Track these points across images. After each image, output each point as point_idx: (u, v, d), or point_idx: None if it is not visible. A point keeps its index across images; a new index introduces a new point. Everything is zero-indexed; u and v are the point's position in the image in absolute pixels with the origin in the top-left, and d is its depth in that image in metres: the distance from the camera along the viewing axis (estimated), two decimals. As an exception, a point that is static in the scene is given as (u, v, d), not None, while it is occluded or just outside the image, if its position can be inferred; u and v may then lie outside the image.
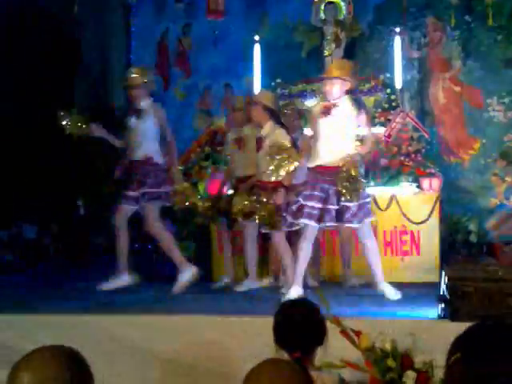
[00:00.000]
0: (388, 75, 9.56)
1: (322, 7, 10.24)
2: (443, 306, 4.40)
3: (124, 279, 6.80)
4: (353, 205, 5.82)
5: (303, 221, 5.95)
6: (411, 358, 3.14)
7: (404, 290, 6.10)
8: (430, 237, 7.50)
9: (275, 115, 6.94)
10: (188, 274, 6.65)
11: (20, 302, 6.18)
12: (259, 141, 6.87)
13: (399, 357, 3.13)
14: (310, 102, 9.43)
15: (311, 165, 6.09)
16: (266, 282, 7.32)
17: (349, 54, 10.27)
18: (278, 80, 9.85)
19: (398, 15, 10.62)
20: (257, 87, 9.68)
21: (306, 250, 6.00)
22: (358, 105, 6.14)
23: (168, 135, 7.00)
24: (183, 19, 12.11)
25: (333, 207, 5.87)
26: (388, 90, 9.17)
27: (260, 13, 11.69)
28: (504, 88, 10.56)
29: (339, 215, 5.88)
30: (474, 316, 3.88)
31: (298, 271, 6.00)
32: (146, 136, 6.89)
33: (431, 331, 3.91)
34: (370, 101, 9.29)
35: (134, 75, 7.04)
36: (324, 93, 6.30)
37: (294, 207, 6.04)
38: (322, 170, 5.97)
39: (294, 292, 5.82)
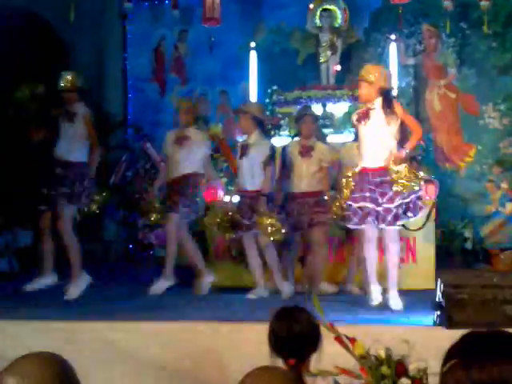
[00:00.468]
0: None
1: (318, 14, 10.26)
2: (439, 313, 4.40)
3: (48, 279, 6.80)
4: (393, 206, 5.89)
5: (362, 226, 6.08)
6: (405, 365, 3.13)
7: (400, 297, 6.10)
8: (426, 244, 7.50)
9: (262, 125, 7.25)
10: (81, 281, 6.73)
11: (12, 308, 6.17)
12: (244, 148, 7.07)
13: (394, 364, 3.12)
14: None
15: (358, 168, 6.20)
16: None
17: (344, 60, 10.31)
18: (274, 87, 9.86)
19: (394, 22, 10.65)
20: (253, 94, 9.70)
21: (371, 251, 6.12)
22: (390, 101, 6.15)
23: (94, 141, 7.05)
24: (179, 26, 12.12)
25: (380, 208, 5.94)
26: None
27: (256, 20, 11.71)
28: (499, 95, 10.60)
29: (384, 217, 5.95)
30: (469, 323, 3.88)
31: (370, 272, 6.11)
32: (76, 139, 6.96)
33: (426, 338, 3.91)
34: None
35: (69, 78, 7.10)
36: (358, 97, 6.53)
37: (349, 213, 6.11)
38: (367, 173, 6.08)
39: (376, 291, 5.98)
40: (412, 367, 3.17)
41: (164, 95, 12.28)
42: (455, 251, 9.10)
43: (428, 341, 3.83)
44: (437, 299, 4.53)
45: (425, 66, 11.02)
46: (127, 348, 4.68)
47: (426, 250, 7.49)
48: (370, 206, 5.96)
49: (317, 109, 9.45)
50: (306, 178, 7.20)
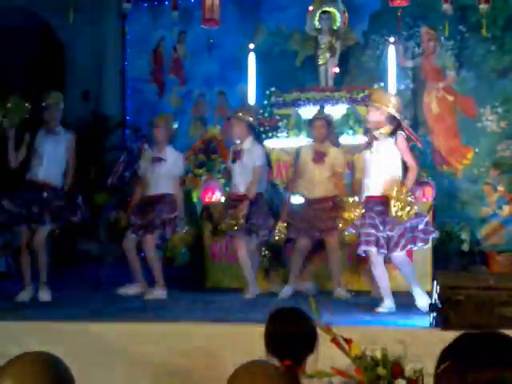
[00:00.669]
0: (382, 84, 9.59)
1: (317, 16, 10.27)
2: (435, 314, 4.41)
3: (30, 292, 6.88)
4: (395, 233, 6.01)
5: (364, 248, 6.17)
6: (401, 366, 3.14)
7: (397, 299, 6.13)
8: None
9: (255, 132, 7.56)
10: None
11: (10, 308, 6.19)
12: (238, 153, 7.28)
13: (389, 365, 3.13)
14: (304, 111, 9.47)
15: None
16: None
17: (343, 63, 10.32)
18: (272, 88, 9.86)
19: (393, 25, 10.66)
20: (251, 95, 9.71)
21: (380, 270, 6.23)
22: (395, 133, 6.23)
23: (70, 160, 7.16)
24: (178, 27, 12.13)
25: (382, 235, 6.04)
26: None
27: (255, 21, 11.72)
28: (497, 98, 10.61)
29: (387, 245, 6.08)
30: (465, 324, 3.89)
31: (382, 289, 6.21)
32: (57, 159, 7.05)
33: (422, 339, 3.92)
34: (363, 110, 9.30)
35: (57, 96, 7.17)
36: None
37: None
38: (369, 200, 6.22)
39: (389, 303, 6.06)
40: (408, 368, 3.19)
41: (162, 96, 12.30)
42: (452, 253, 9.10)
43: (424, 342, 3.84)
44: (433, 301, 4.54)
45: (423, 68, 11.03)
46: (124, 349, 4.69)
47: (423, 251, 7.49)
48: (372, 231, 6.04)
49: (315, 111, 9.46)
50: (318, 183, 7.29)
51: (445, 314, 4.21)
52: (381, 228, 6.02)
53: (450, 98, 10.85)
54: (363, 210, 6.22)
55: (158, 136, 7.44)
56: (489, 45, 10.71)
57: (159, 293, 7.06)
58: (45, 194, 6.91)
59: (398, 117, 6.31)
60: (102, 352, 4.70)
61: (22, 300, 6.70)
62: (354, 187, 7.20)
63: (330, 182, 7.32)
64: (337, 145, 7.67)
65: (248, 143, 7.32)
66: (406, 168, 6.30)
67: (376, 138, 6.22)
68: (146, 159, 7.50)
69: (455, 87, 10.87)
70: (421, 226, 6.08)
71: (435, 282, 4.50)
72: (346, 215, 6.43)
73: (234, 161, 7.33)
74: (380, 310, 5.99)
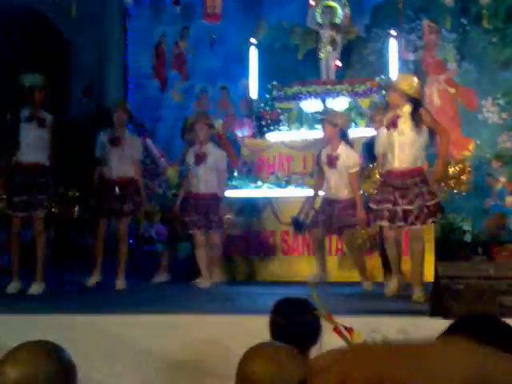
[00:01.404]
0: (383, 77, 9.61)
1: (319, 10, 10.29)
2: (435, 303, 4.44)
3: (18, 284, 6.85)
4: (415, 207, 6.11)
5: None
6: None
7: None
8: (425, 236, 7.53)
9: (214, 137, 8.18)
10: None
11: (14, 302, 6.24)
12: (202, 156, 7.60)
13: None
14: (305, 104, 9.50)
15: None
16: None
17: (345, 56, 10.33)
18: (274, 82, 9.89)
19: (394, 18, 10.69)
20: (253, 89, 9.73)
21: (390, 249, 6.52)
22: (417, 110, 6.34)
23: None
24: (180, 23, 12.16)
25: (399, 209, 6.17)
26: (384, 92, 9.20)
27: (256, 16, 11.75)
28: (499, 90, 10.63)
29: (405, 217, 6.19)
30: (465, 313, 3.92)
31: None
32: (44, 143, 6.96)
33: (423, 328, 3.95)
34: (365, 102, 9.34)
35: (39, 77, 7.03)
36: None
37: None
38: (392, 174, 6.34)
39: (393, 282, 6.41)
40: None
41: (164, 91, 12.33)
42: (454, 244, 9.13)
43: (425, 331, 3.86)
44: (434, 290, 4.58)
45: (425, 61, 11.06)
46: (129, 341, 4.73)
47: (426, 242, 7.53)
48: (388, 206, 6.19)
49: (316, 104, 9.49)
50: (333, 186, 7.38)
51: (445, 303, 4.24)
52: (399, 201, 6.16)
53: (452, 91, 10.87)
54: (381, 185, 6.42)
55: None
56: (490, 37, 10.73)
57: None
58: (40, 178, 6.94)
59: (417, 96, 6.42)
60: (107, 344, 4.74)
61: (12, 291, 6.71)
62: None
63: (344, 183, 7.39)
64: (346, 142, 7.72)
65: (210, 147, 7.71)
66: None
67: (399, 117, 6.33)
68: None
69: (457, 79, 10.90)
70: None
71: (436, 272, 4.54)
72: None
73: (197, 163, 7.60)
74: (386, 290, 6.34)
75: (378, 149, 6.71)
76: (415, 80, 6.60)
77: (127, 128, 7.67)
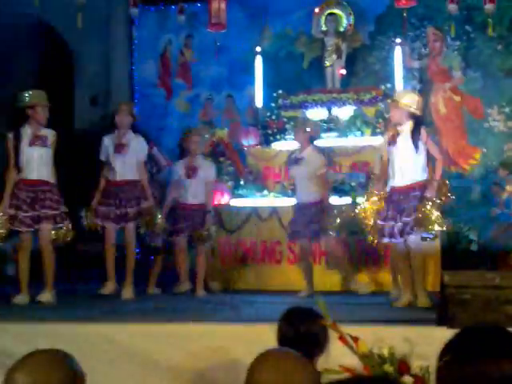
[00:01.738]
0: (389, 85, 9.63)
1: (323, 19, 10.32)
2: (441, 312, 4.44)
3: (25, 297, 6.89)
4: (412, 218, 6.24)
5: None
6: (408, 363, 3.19)
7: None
8: (432, 246, 7.53)
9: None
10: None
11: (22, 310, 6.26)
12: (192, 169, 7.83)
13: (396, 362, 3.18)
14: (311, 113, 9.52)
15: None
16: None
17: (350, 64, 10.36)
18: (280, 91, 9.92)
19: (399, 26, 10.68)
20: (258, 98, 9.76)
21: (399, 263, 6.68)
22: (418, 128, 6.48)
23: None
24: (185, 31, 12.19)
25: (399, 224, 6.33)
26: (389, 100, 9.22)
27: (261, 25, 11.76)
28: (504, 98, 10.62)
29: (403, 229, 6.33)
30: (471, 323, 3.92)
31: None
32: (47, 160, 7.02)
33: (428, 337, 3.94)
34: (370, 111, 9.37)
35: (40, 93, 7.10)
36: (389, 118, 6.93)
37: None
38: (394, 192, 6.48)
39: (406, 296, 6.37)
40: (414, 365, 3.23)
41: (170, 100, 12.35)
42: (460, 254, 9.12)
43: (430, 340, 3.86)
44: (440, 299, 4.57)
45: (430, 69, 11.06)
46: (136, 349, 4.73)
47: (432, 252, 7.53)
48: (392, 223, 6.36)
49: (322, 113, 9.51)
50: (302, 188, 7.62)
51: (451, 312, 4.24)
52: (397, 218, 6.31)
53: (457, 99, 10.87)
54: (385, 202, 6.53)
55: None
56: (495, 45, 10.72)
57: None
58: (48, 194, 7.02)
59: (419, 113, 6.51)
60: (113, 352, 4.75)
61: (19, 303, 6.75)
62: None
63: (312, 185, 7.60)
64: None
65: (200, 160, 7.97)
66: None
67: (399, 134, 6.45)
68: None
69: (462, 87, 10.89)
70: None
71: (442, 281, 4.53)
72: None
73: (189, 177, 7.83)
74: (395, 303, 6.35)
75: (383, 158, 6.91)
76: (417, 97, 6.66)
77: (130, 129, 7.68)
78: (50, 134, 7.03)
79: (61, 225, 6.95)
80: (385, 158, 6.94)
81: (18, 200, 6.89)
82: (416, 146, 6.37)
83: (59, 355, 2.03)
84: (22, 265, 6.98)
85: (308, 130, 7.77)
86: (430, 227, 6.23)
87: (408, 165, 6.39)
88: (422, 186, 6.33)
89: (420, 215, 6.17)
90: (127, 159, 7.45)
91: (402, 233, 6.31)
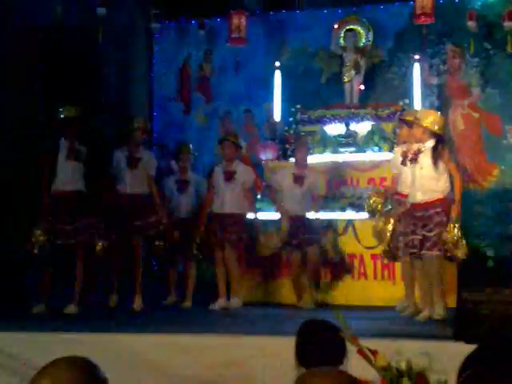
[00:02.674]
0: (407, 101, 9.64)
1: (342, 34, 10.35)
2: (459, 327, 4.44)
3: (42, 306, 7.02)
4: (433, 234, 6.43)
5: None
6: (426, 377, 3.18)
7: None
8: (449, 262, 7.52)
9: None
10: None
11: (42, 320, 6.30)
12: (183, 184, 8.28)
13: (414, 376, 3.17)
14: (329, 128, 9.54)
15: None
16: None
17: (368, 80, 10.37)
18: (298, 106, 9.95)
19: (418, 42, 10.72)
20: (276, 113, 9.79)
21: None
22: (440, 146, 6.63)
23: None
24: (205, 45, 12.26)
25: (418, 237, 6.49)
26: (404, 117, 9.21)
27: (280, 40, 11.81)
28: (522, 115, 10.60)
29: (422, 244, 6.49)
30: (488, 338, 3.91)
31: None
32: (80, 174, 7.23)
33: (446, 352, 3.94)
34: (389, 126, 9.37)
35: (75, 108, 7.28)
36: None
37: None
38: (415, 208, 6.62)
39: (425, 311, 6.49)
40: (432, 380, 3.22)
41: (189, 114, 12.41)
42: (477, 270, 9.08)
43: (448, 355, 3.86)
44: (457, 314, 4.58)
45: (448, 85, 11.05)
46: (153, 360, 4.76)
47: (449, 268, 7.52)
48: (412, 238, 6.53)
49: (340, 128, 9.53)
50: (228, 200, 7.82)
51: (469, 327, 4.24)
52: (418, 231, 6.46)
53: (476, 115, 10.85)
54: (404, 219, 6.73)
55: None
56: (514, 62, 10.71)
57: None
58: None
59: (441, 133, 6.67)
60: (130, 363, 4.77)
61: (36, 312, 6.85)
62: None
63: (239, 198, 7.87)
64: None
65: (190, 174, 8.42)
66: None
67: (421, 152, 6.57)
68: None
69: (480, 104, 10.88)
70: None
71: (459, 296, 4.54)
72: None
73: (181, 192, 8.16)
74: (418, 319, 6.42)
75: (393, 171, 7.44)
76: (439, 116, 6.77)
77: (142, 145, 7.82)
78: (83, 150, 7.20)
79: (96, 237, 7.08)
80: (396, 173, 7.28)
81: (56, 212, 7.00)
82: (436, 165, 6.48)
83: (83, 363, 2.04)
84: (47, 276, 7.09)
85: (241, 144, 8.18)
86: (455, 252, 6.46)
87: (429, 183, 6.52)
88: (444, 204, 6.48)
89: (444, 236, 6.37)
90: (139, 173, 7.58)
91: (421, 246, 6.43)
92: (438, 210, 6.44)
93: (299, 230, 7.87)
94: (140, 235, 7.51)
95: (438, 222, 6.40)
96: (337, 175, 9.01)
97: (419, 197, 6.54)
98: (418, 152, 6.59)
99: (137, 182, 7.58)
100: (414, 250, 6.51)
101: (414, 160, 6.60)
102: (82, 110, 7.28)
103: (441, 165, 6.52)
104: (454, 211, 6.45)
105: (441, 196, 6.51)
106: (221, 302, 7.53)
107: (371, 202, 7.42)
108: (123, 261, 7.61)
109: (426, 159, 6.54)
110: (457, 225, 6.44)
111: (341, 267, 8.25)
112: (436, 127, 6.57)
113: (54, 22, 9.29)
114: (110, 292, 7.55)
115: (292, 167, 8.23)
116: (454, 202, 6.51)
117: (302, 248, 7.88)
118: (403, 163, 6.90)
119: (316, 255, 7.95)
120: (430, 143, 6.56)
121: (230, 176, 7.82)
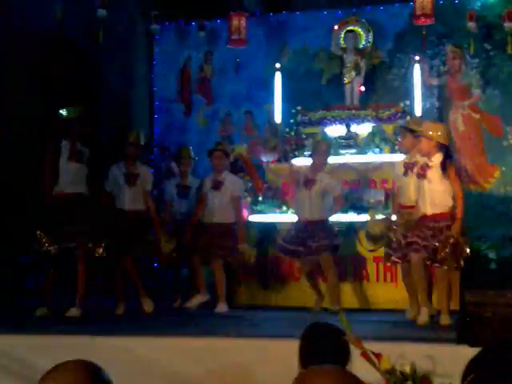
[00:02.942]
0: (407, 103, 9.64)
1: (342, 35, 10.35)
2: (462, 330, 4.44)
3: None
4: (442, 246, 6.49)
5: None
6: (430, 380, 3.18)
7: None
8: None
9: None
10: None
11: (44, 323, 6.30)
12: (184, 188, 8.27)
13: (418, 379, 3.17)
14: (330, 129, 9.53)
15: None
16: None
17: (369, 81, 10.37)
18: (299, 107, 9.94)
19: (418, 43, 10.72)
20: (277, 114, 9.79)
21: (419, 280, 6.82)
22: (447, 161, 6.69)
23: None
24: (205, 47, 12.26)
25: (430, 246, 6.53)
26: (407, 118, 9.22)
27: (281, 41, 11.82)
28: (524, 116, 10.60)
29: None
30: (492, 341, 3.91)
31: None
32: (82, 176, 7.22)
33: (450, 355, 3.94)
34: (389, 128, 9.37)
35: (76, 109, 7.30)
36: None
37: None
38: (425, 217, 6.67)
39: (424, 313, 6.56)
40: (436, 383, 3.22)
41: (189, 115, 12.40)
42: (479, 272, 9.07)
43: (452, 358, 3.86)
44: (460, 317, 4.57)
45: (449, 86, 11.05)
46: (156, 363, 4.75)
47: (452, 271, 7.53)
48: (420, 240, 6.55)
49: (341, 129, 9.52)
50: (216, 210, 7.89)
51: (472, 330, 4.24)
52: (430, 240, 6.48)
53: (476, 116, 10.85)
54: (414, 228, 6.70)
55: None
56: (514, 63, 10.71)
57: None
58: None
59: (447, 143, 6.72)
60: (133, 366, 4.77)
61: (39, 315, 6.84)
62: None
63: (227, 208, 7.92)
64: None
65: (190, 178, 8.52)
66: None
67: (429, 167, 6.60)
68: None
69: (481, 105, 10.88)
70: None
71: (463, 299, 4.54)
72: None
73: (181, 197, 8.28)
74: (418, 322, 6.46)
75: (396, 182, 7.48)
76: (443, 127, 6.94)
77: (139, 160, 7.84)
78: (85, 151, 7.19)
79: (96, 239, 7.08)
80: (398, 185, 7.35)
81: (57, 215, 6.99)
82: (444, 180, 6.57)
83: (89, 366, 2.04)
84: (50, 278, 7.08)
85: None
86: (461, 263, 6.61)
87: (438, 196, 6.58)
88: (452, 216, 6.56)
89: (451, 249, 6.46)
90: (137, 190, 7.63)
91: (430, 252, 6.50)
92: (449, 223, 6.51)
93: (310, 235, 7.70)
94: (139, 251, 7.55)
95: (448, 236, 6.47)
96: (337, 177, 9.02)
97: (430, 210, 6.61)
98: (426, 167, 6.62)
99: (136, 198, 7.58)
100: (422, 251, 6.52)
101: (423, 176, 6.64)
102: (82, 110, 7.26)
103: (448, 181, 6.59)
104: (457, 227, 6.51)
105: (448, 210, 6.58)
106: (199, 298, 7.68)
107: (373, 230, 7.44)
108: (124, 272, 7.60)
109: (434, 174, 6.59)
110: (461, 238, 6.56)
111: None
112: (444, 140, 6.63)
113: (54, 23, 9.27)
114: (117, 302, 7.51)
115: (307, 170, 8.08)
116: (456, 219, 6.55)
117: (313, 254, 7.69)
118: (405, 174, 6.98)
119: (328, 262, 7.69)
120: (438, 157, 6.60)
121: (217, 185, 7.87)
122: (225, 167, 8.10)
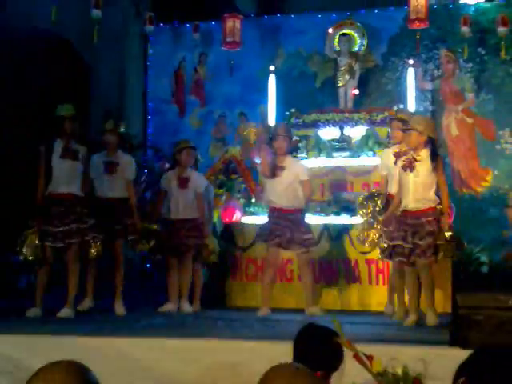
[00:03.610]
0: (401, 106, 9.64)
1: (337, 38, 10.37)
2: (454, 333, 4.45)
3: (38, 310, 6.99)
4: (424, 243, 6.47)
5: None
6: (422, 382, 3.19)
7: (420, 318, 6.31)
8: (443, 267, 7.54)
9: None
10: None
11: (35, 323, 6.29)
12: (183, 181, 7.91)
13: (410, 381, 3.18)
14: (323, 132, 9.54)
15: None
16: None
17: (362, 84, 10.40)
18: (292, 109, 9.95)
19: (412, 47, 10.76)
20: (271, 116, 9.80)
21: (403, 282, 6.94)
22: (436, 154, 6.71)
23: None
24: (199, 49, 12.27)
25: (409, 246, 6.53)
26: (395, 108, 9.24)
27: (275, 44, 11.84)
28: (516, 120, 10.63)
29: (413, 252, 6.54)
30: (484, 343, 3.92)
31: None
32: (77, 175, 7.18)
33: (442, 358, 3.95)
34: (383, 131, 9.37)
35: (70, 106, 7.20)
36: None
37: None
38: (406, 215, 6.65)
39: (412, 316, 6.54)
40: (428, 385, 3.23)
41: (183, 117, 12.40)
42: (471, 275, 9.11)
43: (444, 360, 3.88)
44: (453, 320, 4.59)
45: (442, 90, 11.08)
46: (149, 364, 4.75)
47: (443, 273, 7.55)
48: (401, 243, 6.55)
49: (334, 132, 9.54)
50: (181, 204, 7.84)
51: (464, 333, 4.25)
52: (408, 239, 6.47)
53: (469, 121, 10.88)
54: (395, 224, 6.71)
55: None
56: (508, 67, 10.75)
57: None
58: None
59: (434, 136, 6.74)
60: (125, 367, 4.76)
61: (32, 316, 6.80)
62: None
63: (193, 204, 7.87)
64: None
65: (191, 172, 8.09)
66: None
67: (417, 160, 6.57)
68: None
69: (474, 109, 10.91)
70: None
71: (455, 302, 4.55)
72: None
73: (182, 188, 7.88)
74: (406, 324, 6.45)
75: (381, 172, 7.57)
76: (431, 121, 7.09)
77: (119, 149, 7.76)
78: (81, 149, 7.15)
79: (88, 238, 7.04)
80: (386, 174, 7.42)
81: (49, 214, 6.95)
82: (432, 174, 6.57)
83: (77, 367, 2.04)
84: (42, 279, 7.04)
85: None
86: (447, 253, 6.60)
87: (423, 191, 6.57)
88: (435, 213, 6.56)
89: (436, 242, 6.47)
90: (117, 178, 7.57)
91: (410, 254, 6.48)
92: (430, 218, 6.49)
93: (283, 225, 7.44)
94: (121, 239, 7.50)
95: (429, 232, 6.46)
96: (331, 180, 9.04)
97: (412, 205, 6.57)
98: (414, 160, 6.60)
99: (115, 187, 7.55)
100: (403, 259, 6.56)
101: (411, 168, 6.60)
102: (76, 107, 7.22)
103: (435, 175, 6.59)
104: (445, 223, 6.57)
105: (432, 205, 6.58)
106: (169, 306, 7.60)
107: (365, 234, 7.49)
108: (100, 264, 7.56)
109: (422, 168, 6.57)
110: (448, 234, 6.58)
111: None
112: (429, 131, 6.63)
113: (49, 24, 9.26)
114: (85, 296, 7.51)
115: (274, 158, 7.72)
116: (443, 214, 6.59)
117: (289, 248, 7.49)
118: (396, 163, 6.91)
119: (302, 259, 7.51)
120: (426, 151, 6.60)
121: (183, 182, 7.84)
122: (191, 164, 8.06)
